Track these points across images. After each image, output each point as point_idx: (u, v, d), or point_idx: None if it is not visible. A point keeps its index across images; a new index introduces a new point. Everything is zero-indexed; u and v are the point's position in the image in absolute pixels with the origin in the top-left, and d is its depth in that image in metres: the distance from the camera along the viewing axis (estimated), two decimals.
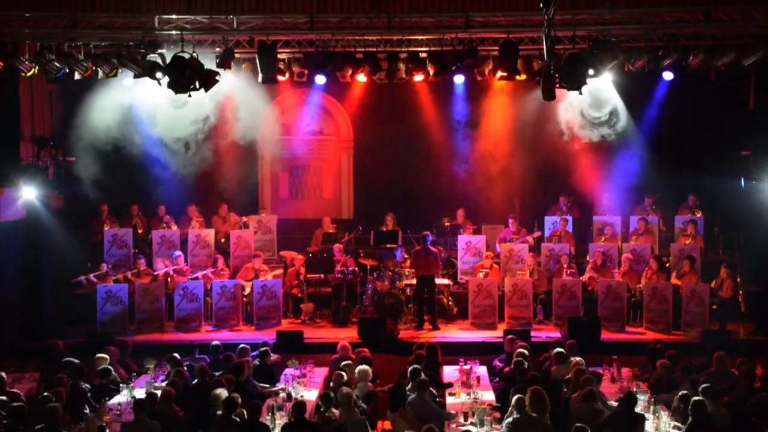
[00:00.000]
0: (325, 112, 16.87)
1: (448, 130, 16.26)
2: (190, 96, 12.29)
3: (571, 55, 12.00)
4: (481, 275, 14.07)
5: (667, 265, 14.21)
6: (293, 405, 8.44)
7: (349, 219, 16.65)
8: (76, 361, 10.16)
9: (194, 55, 11.92)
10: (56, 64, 12.52)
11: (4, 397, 8.77)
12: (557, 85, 11.92)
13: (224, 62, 12.80)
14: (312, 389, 9.98)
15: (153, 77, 12.47)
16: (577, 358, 9.97)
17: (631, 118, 15.53)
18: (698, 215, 14.88)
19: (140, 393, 9.46)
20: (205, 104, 15.20)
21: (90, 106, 15.08)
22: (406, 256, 14.36)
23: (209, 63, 12.66)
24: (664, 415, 8.62)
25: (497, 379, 10.43)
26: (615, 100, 15.45)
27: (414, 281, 13.78)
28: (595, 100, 15.44)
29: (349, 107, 16.60)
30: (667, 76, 13.54)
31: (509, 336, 11.42)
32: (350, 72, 13.20)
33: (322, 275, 14.48)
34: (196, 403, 9.02)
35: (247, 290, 13.89)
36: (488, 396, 9.57)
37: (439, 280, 13.97)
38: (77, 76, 12.95)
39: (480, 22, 12.39)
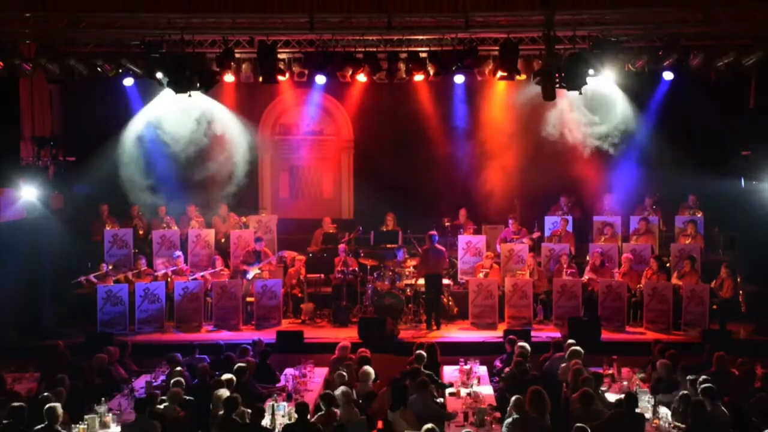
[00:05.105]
0: (325, 112, 16.88)
1: (448, 130, 16.26)
2: (190, 96, 12.31)
3: (571, 55, 12.00)
4: (481, 275, 14.08)
5: (667, 265, 14.21)
6: (296, 405, 8.44)
7: (349, 219, 16.66)
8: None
9: (194, 55, 11.93)
10: (56, 64, 12.52)
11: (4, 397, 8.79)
12: (557, 85, 11.95)
13: (224, 62, 12.80)
14: (312, 389, 9.98)
15: (153, 77, 12.47)
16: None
17: (631, 118, 15.54)
18: (698, 215, 14.88)
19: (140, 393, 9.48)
20: (206, 104, 15.29)
21: (90, 106, 15.11)
22: (407, 256, 14.37)
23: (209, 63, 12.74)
24: (664, 415, 8.62)
25: (497, 379, 10.43)
26: (616, 102, 15.47)
27: (414, 281, 13.79)
28: (596, 102, 15.45)
29: (349, 107, 16.61)
30: (667, 76, 13.54)
31: (509, 336, 11.42)
32: (350, 72, 13.18)
33: (322, 275, 14.50)
34: (196, 403, 9.02)
35: (250, 275, 13.98)
36: (488, 396, 9.57)
37: None
38: (77, 77, 12.96)
39: (480, 22, 12.38)
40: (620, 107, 15.48)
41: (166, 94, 14.15)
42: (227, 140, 16.04)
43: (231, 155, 15.98)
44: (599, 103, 15.50)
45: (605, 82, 14.33)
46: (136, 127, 15.52)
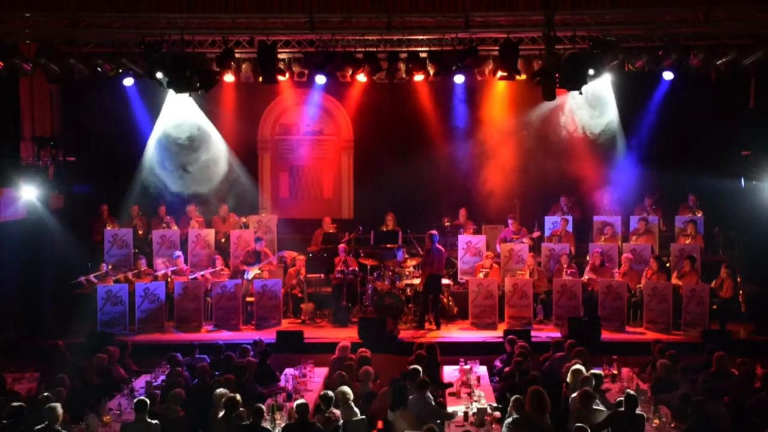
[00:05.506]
0: (325, 112, 16.87)
1: (448, 130, 16.26)
2: (190, 96, 12.32)
3: (571, 55, 12.00)
4: (481, 275, 14.08)
5: (667, 265, 14.20)
6: (296, 405, 8.43)
7: (349, 219, 16.64)
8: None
9: (194, 55, 11.94)
10: (56, 64, 12.52)
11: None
12: (557, 85, 11.94)
13: (224, 62, 12.80)
14: (312, 389, 9.98)
15: (153, 77, 12.47)
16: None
17: (631, 118, 15.55)
18: (698, 215, 14.87)
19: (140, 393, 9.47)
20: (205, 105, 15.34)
21: (90, 106, 15.12)
22: (407, 256, 14.37)
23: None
24: (664, 415, 8.62)
25: (497, 379, 10.43)
26: (616, 102, 15.49)
27: (419, 282, 13.78)
28: (595, 101, 15.45)
29: (349, 107, 16.60)
30: (667, 76, 13.56)
31: (509, 336, 11.42)
32: (350, 72, 13.19)
33: (322, 275, 14.50)
34: (196, 403, 9.02)
35: (250, 275, 14.00)
36: (488, 396, 9.57)
37: None
38: (77, 76, 12.97)
39: (480, 22, 12.39)
40: (620, 107, 15.49)
41: (173, 96, 14.27)
42: (225, 140, 16.16)
43: (229, 154, 16.05)
44: (599, 103, 15.51)
45: (604, 82, 14.33)
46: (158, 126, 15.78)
